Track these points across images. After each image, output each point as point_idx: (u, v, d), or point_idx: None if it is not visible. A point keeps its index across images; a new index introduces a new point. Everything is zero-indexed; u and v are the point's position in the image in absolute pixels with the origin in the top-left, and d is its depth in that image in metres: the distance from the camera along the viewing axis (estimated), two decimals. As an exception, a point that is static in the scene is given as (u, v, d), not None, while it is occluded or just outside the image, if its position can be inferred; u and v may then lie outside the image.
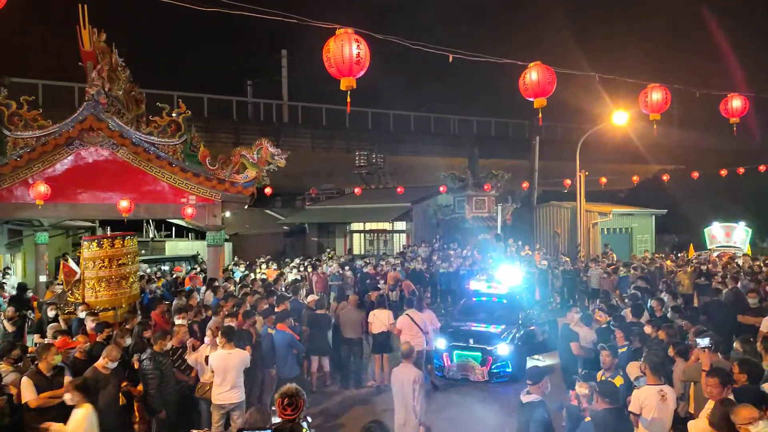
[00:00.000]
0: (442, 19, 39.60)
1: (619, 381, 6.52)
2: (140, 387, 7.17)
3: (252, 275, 16.75)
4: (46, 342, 7.88)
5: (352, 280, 17.07)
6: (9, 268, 17.80)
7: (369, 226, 28.47)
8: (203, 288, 13.60)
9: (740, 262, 18.04)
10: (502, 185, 26.08)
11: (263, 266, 20.03)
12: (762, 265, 17.93)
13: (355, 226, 28.85)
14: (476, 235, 24.05)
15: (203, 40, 35.29)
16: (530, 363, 10.00)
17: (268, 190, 19.74)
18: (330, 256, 23.36)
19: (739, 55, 33.24)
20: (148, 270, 19.63)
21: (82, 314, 9.52)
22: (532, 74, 8.77)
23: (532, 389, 6.02)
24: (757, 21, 36.21)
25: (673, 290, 12.58)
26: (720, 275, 14.34)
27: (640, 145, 33.07)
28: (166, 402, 7.16)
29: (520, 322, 11.25)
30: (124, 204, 13.25)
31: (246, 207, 17.75)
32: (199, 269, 18.66)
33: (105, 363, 6.76)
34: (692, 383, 6.38)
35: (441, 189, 25.89)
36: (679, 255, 21.92)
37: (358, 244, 28.92)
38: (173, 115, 14.45)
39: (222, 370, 7.31)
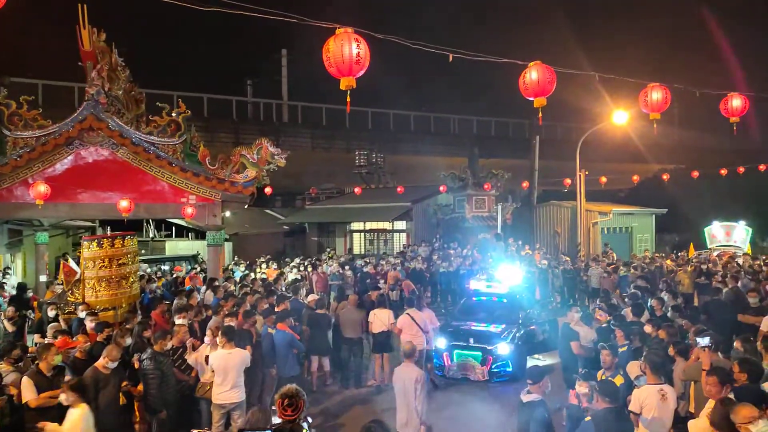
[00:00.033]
0: (442, 19, 39.57)
1: (619, 380, 6.52)
2: (140, 387, 7.17)
3: (252, 275, 16.76)
4: (46, 342, 7.89)
5: (352, 280, 17.07)
6: (9, 268, 17.81)
7: (369, 225, 28.47)
8: (203, 288, 13.61)
9: (740, 261, 18.05)
10: (502, 185, 26.08)
11: (263, 266, 20.03)
12: (762, 264, 17.94)
13: (355, 225, 28.85)
14: (476, 234, 24.05)
15: (203, 39, 35.27)
16: (530, 362, 10.01)
17: (268, 190, 19.75)
18: (330, 255, 23.37)
19: (739, 54, 33.28)
20: (149, 270, 19.63)
21: (82, 314, 9.52)
22: (532, 74, 8.77)
23: (533, 389, 6.03)
24: (757, 20, 36.21)
25: (674, 289, 12.59)
26: (720, 274, 14.34)
27: (640, 145, 33.07)
28: (166, 402, 7.16)
29: (520, 321, 11.25)
30: (124, 204, 13.25)
31: (246, 207, 17.76)
32: (199, 269, 18.67)
33: (105, 363, 6.77)
34: (692, 382, 6.38)
35: (441, 188, 25.89)
36: (679, 254, 21.93)
37: (358, 244, 28.92)
38: (173, 114, 14.43)
39: (222, 369, 7.31)
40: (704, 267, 16.29)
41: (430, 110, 37.02)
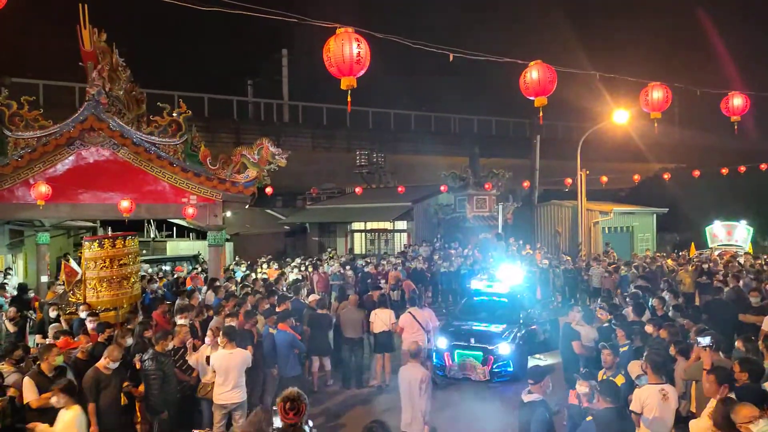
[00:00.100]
0: (442, 19, 39.58)
1: (620, 380, 6.51)
2: (142, 387, 7.17)
3: (253, 275, 16.75)
4: (47, 342, 7.91)
5: (353, 280, 17.07)
6: (11, 268, 17.80)
7: (370, 225, 28.47)
8: (204, 288, 13.61)
9: (742, 260, 18.04)
10: (503, 184, 26.06)
11: (264, 266, 20.03)
12: (763, 263, 17.94)
13: (356, 225, 28.85)
14: (477, 234, 24.03)
15: (204, 39, 35.28)
16: (531, 362, 10.01)
17: (268, 190, 19.74)
18: (331, 255, 23.37)
19: (739, 53, 33.24)
20: (150, 270, 19.64)
21: (83, 314, 9.52)
22: (533, 73, 8.76)
23: (534, 388, 6.02)
24: (757, 19, 36.16)
25: (675, 289, 12.58)
26: (721, 274, 14.33)
27: (641, 144, 33.06)
28: (167, 402, 7.16)
29: (521, 321, 11.25)
30: (125, 204, 13.26)
31: (247, 207, 17.78)
32: (200, 269, 18.67)
33: (106, 363, 6.78)
34: (694, 382, 6.38)
35: (442, 188, 25.87)
36: (680, 254, 21.91)
37: (359, 244, 28.92)
38: (174, 115, 14.44)
39: (224, 370, 7.32)
40: (705, 266, 16.28)
41: (431, 110, 37.05)
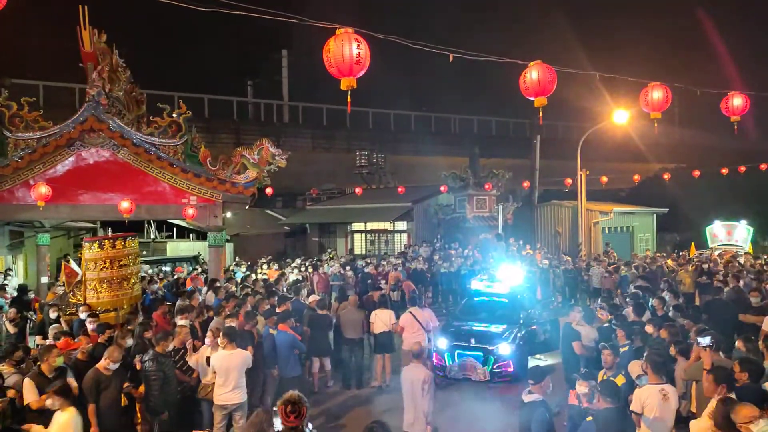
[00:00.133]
0: (442, 19, 39.57)
1: (620, 380, 6.51)
2: (142, 388, 7.17)
3: (253, 276, 16.75)
4: (48, 343, 7.91)
5: (353, 281, 17.07)
6: (11, 269, 17.81)
7: (370, 226, 28.47)
8: (205, 289, 13.61)
9: (742, 260, 18.03)
10: (503, 184, 26.06)
11: (264, 267, 20.04)
12: (764, 263, 17.93)
13: (356, 226, 28.85)
14: (477, 234, 24.03)
15: (203, 40, 35.27)
16: (532, 362, 9.99)
17: (268, 191, 19.75)
18: (331, 256, 23.37)
19: (739, 53, 33.24)
20: (150, 271, 19.63)
21: (83, 315, 9.52)
22: (533, 73, 8.77)
23: (534, 389, 6.03)
24: (757, 19, 36.16)
25: (675, 289, 12.57)
26: (722, 274, 14.33)
27: (640, 144, 33.09)
28: (168, 403, 7.16)
29: (521, 321, 11.23)
30: (125, 205, 13.26)
31: (247, 207, 17.78)
32: (200, 270, 18.67)
33: (107, 364, 6.78)
34: (694, 382, 6.38)
35: (442, 188, 25.87)
36: (680, 254, 21.91)
37: (359, 244, 28.92)
38: (174, 115, 14.45)
39: (224, 370, 7.32)
40: (705, 266, 16.28)
41: (431, 110, 37.08)
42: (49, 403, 5.78)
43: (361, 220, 28.42)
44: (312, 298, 11.88)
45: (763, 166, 26.66)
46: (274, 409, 4.42)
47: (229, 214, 20.48)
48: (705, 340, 6.00)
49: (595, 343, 8.57)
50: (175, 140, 14.32)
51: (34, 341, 10.62)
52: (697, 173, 27.43)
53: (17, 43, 23.84)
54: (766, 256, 20.54)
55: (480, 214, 25.43)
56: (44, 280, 16.81)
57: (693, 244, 23.78)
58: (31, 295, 14.45)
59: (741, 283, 12.28)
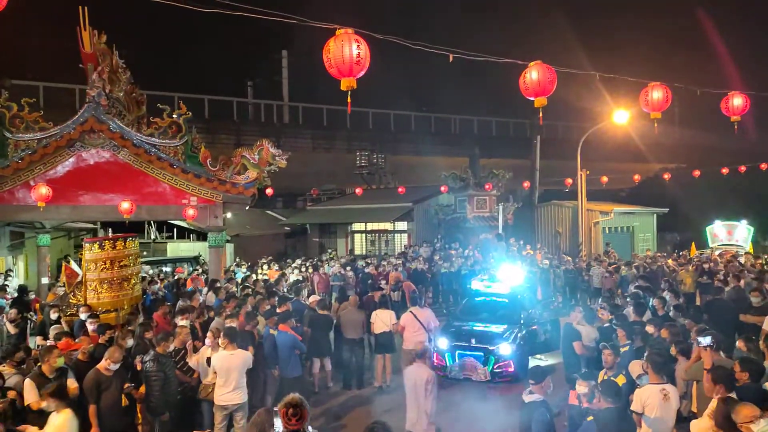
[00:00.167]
0: (442, 19, 39.60)
1: (621, 380, 6.51)
2: (143, 389, 7.17)
3: (254, 276, 16.76)
4: (48, 344, 7.90)
5: (353, 281, 17.07)
6: (11, 270, 17.82)
7: (370, 226, 28.47)
8: (205, 289, 13.62)
9: (742, 260, 18.02)
10: (503, 185, 26.06)
11: (265, 267, 20.04)
12: (764, 263, 17.93)
13: (357, 226, 28.85)
14: (478, 234, 24.03)
15: (204, 41, 35.29)
16: (532, 362, 9.99)
17: (269, 191, 19.76)
18: (331, 256, 23.37)
19: (739, 53, 33.24)
20: (150, 271, 19.65)
21: (84, 316, 9.52)
22: (533, 73, 8.77)
23: (535, 389, 6.02)
24: (757, 19, 36.17)
25: (675, 289, 12.57)
26: (722, 274, 14.32)
27: (641, 144, 33.07)
28: (168, 403, 7.17)
29: (522, 321, 11.23)
30: (125, 205, 13.27)
31: (247, 208, 17.77)
32: (200, 270, 18.68)
33: (107, 365, 6.78)
34: (695, 382, 6.38)
35: (442, 189, 25.88)
36: (681, 253, 21.91)
37: (359, 245, 28.92)
38: (174, 116, 14.45)
39: (225, 371, 7.32)
40: (706, 266, 16.27)
41: (431, 110, 37.06)
42: (44, 405, 5.78)
43: (361, 221, 28.43)
44: (312, 298, 11.87)
45: (763, 166, 26.66)
46: (275, 409, 4.42)
47: (229, 215, 20.50)
48: (705, 340, 6.00)
49: (595, 343, 8.57)
50: (175, 141, 14.32)
51: (34, 342, 10.64)
52: (697, 173, 27.45)
53: (17, 43, 23.86)
54: (766, 256, 20.54)
55: (480, 215, 25.44)
56: (45, 280, 16.82)
57: (693, 243, 23.78)
58: (32, 296, 14.46)
59: (742, 282, 12.27)
